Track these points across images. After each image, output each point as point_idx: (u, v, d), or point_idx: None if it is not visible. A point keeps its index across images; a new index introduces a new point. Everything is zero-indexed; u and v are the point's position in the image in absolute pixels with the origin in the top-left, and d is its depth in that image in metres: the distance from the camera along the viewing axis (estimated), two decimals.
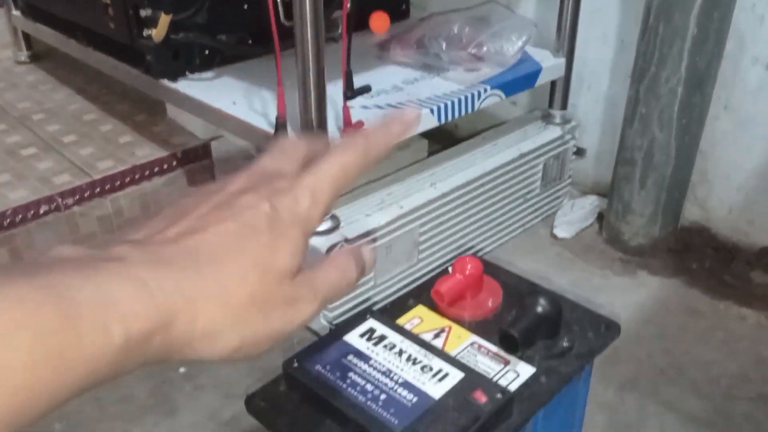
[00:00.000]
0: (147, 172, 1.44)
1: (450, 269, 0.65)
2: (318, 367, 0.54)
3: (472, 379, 0.53)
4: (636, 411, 1.03)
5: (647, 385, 1.08)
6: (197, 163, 1.51)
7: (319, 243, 1.06)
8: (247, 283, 0.29)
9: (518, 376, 0.55)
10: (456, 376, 0.53)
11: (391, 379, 0.52)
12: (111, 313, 0.25)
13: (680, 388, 1.08)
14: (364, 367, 0.53)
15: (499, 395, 0.51)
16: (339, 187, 0.33)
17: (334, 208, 1.11)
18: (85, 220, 1.37)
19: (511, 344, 0.57)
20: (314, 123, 0.98)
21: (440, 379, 0.52)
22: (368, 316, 0.59)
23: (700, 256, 1.36)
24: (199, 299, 0.27)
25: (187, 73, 1.29)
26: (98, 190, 1.37)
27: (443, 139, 1.56)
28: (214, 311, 0.28)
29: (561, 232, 1.44)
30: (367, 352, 0.55)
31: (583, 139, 1.53)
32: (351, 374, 0.53)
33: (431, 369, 0.53)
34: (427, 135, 1.48)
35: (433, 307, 0.63)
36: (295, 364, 0.54)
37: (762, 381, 1.10)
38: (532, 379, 0.55)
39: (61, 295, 0.24)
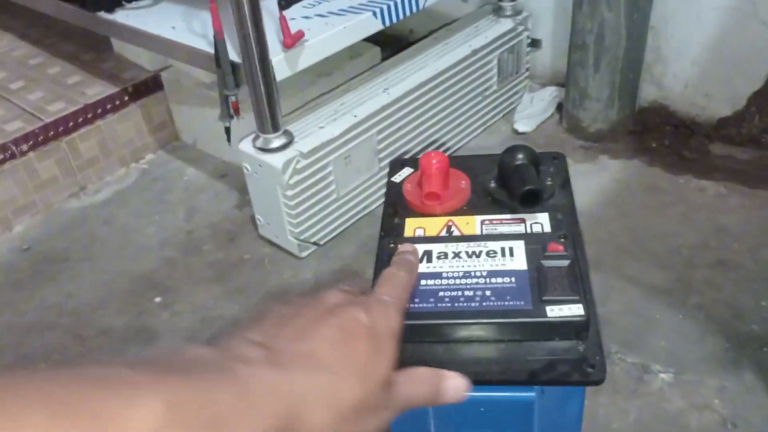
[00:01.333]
0: (100, 110, 1.41)
1: (398, 176, 0.65)
2: (406, 305, 0.48)
3: (533, 239, 0.53)
4: (600, 288, 1.06)
5: (611, 262, 1.11)
6: (150, 96, 1.48)
7: (274, 160, 1.06)
8: (354, 391, 0.32)
9: (543, 222, 0.58)
10: (518, 245, 0.53)
11: (477, 277, 0.51)
12: (252, 413, 0.27)
13: (642, 263, 1.11)
14: (444, 282, 0.51)
15: (562, 238, 0.52)
16: (408, 295, 0.45)
17: (287, 124, 1.11)
18: (44, 166, 1.35)
19: (530, 200, 0.57)
20: (252, 37, 0.96)
21: (511, 255, 0.52)
22: (390, 243, 0.55)
23: (659, 135, 1.37)
24: (313, 402, 0.30)
25: (123, 2, 1.26)
26: (52, 133, 1.35)
27: (401, 47, 1.54)
28: (326, 414, 0.30)
29: (522, 126, 1.44)
30: (432, 270, 0.52)
31: (538, 29, 1.51)
32: (441, 294, 0.50)
33: (495, 252, 0.53)
34: (382, 43, 1.46)
35: (418, 213, 0.61)
36: None
37: (721, 247, 1.13)
38: (552, 218, 0.58)
39: (208, 397, 0.26)
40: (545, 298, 0.47)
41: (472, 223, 0.58)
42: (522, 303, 0.48)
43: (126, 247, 1.28)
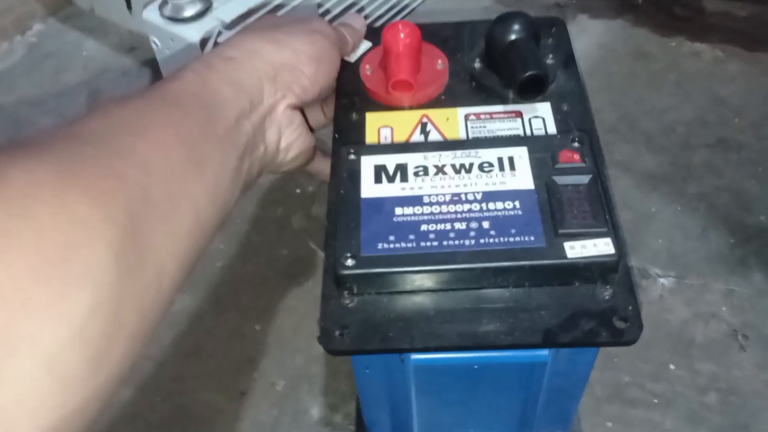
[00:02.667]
0: None
1: (352, 53, 0.50)
2: (379, 245, 0.37)
3: (538, 144, 0.41)
4: None
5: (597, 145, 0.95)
6: None
7: (189, 33, 0.83)
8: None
9: (545, 117, 0.45)
10: (520, 153, 0.41)
11: (469, 201, 0.39)
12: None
13: (633, 145, 0.96)
14: (427, 211, 0.39)
15: (577, 142, 0.41)
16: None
17: None
18: None
19: (533, 88, 0.44)
20: None
21: (512, 168, 0.40)
22: (349, 154, 0.42)
23: None
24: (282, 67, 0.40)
25: None
26: None
27: None
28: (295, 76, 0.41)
29: None
30: (409, 193, 0.40)
31: None
32: (423, 228, 0.38)
33: (491, 165, 0.41)
34: None
35: (382, 105, 0.47)
36: (348, 261, 0.37)
37: (720, 123, 0.98)
38: (557, 110, 0.45)
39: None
40: (562, 231, 0.37)
41: (453, 119, 0.46)
42: (532, 238, 0.37)
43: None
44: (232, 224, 0.92)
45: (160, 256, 0.28)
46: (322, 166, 0.48)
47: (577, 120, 0.45)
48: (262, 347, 0.80)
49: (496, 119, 0.45)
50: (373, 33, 0.50)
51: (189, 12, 0.84)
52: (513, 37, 0.45)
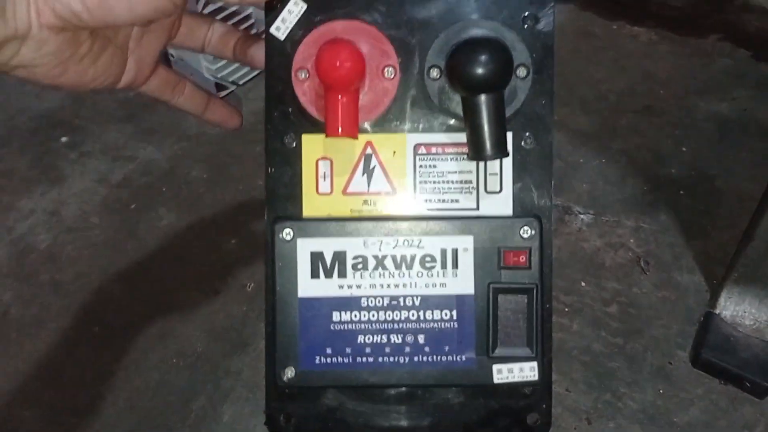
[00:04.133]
0: None
1: (281, 22, 0.36)
2: (316, 359, 0.38)
3: (486, 236, 0.38)
4: None
5: None
6: None
7: None
8: None
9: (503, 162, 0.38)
10: (466, 245, 0.38)
11: (407, 308, 0.38)
12: None
13: (570, 107, 1.10)
14: (364, 318, 0.39)
15: (527, 230, 0.38)
16: None
17: None
18: None
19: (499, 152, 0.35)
20: None
21: (454, 266, 0.38)
22: (284, 231, 0.39)
23: None
24: None
25: None
26: None
27: None
28: None
29: None
30: (347, 293, 0.38)
31: None
32: (360, 339, 0.38)
33: (433, 259, 0.38)
34: None
35: (321, 124, 0.37)
36: (289, 375, 0.38)
37: (647, 94, 1.12)
38: (518, 151, 0.38)
39: None
40: (495, 354, 0.38)
41: (401, 151, 0.39)
42: (463, 358, 0.38)
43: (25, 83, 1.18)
44: (215, 158, 1.05)
45: None
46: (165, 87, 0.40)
47: (536, 170, 0.38)
48: (235, 257, 0.93)
49: (449, 155, 0.39)
50: None
51: None
52: (483, 80, 0.34)
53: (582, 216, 0.95)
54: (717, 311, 0.82)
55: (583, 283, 0.89)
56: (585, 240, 0.93)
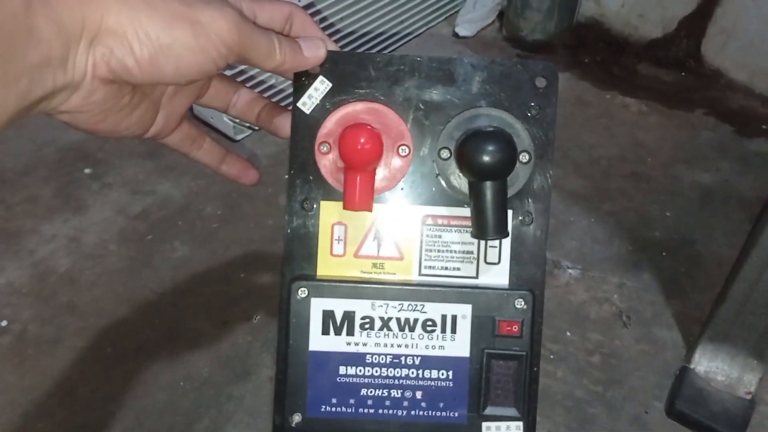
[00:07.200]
0: None
1: (308, 98, 0.40)
2: (322, 407, 0.42)
3: (483, 305, 0.41)
4: None
5: None
6: None
7: None
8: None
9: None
10: (464, 312, 0.41)
11: (408, 366, 0.42)
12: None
13: (564, 170, 1.17)
14: (368, 373, 0.42)
15: (520, 303, 0.41)
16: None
17: None
18: None
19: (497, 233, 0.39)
20: None
21: (453, 331, 0.41)
22: (300, 291, 0.41)
23: (593, 51, 1.42)
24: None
25: None
26: None
27: None
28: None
29: (463, 30, 1.45)
30: (354, 350, 0.42)
31: None
32: (364, 392, 0.42)
33: (434, 325, 0.41)
34: None
35: (339, 194, 0.41)
36: (296, 419, 0.42)
37: (636, 160, 1.20)
38: (518, 231, 0.41)
39: None
40: (485, 412, 0.41)
41: (410, 221, 0.42)
42: (456, 415, 0.41)
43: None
44: (229, 196, 1.11)
45: None
46: (202, 155, 0.42)
47: (532, 245, 0.41)
48: (244, 290, 0.98)
49: (453, 227, 0.42)
50: (335, 61, 0.39)
51: None
52: (488, 170, 0.37)
53: (570, 270, 1.02)
54: (692, 366, 0.88)
55: (568, 333, 0.94)
56: (572, 293, 0.99)
